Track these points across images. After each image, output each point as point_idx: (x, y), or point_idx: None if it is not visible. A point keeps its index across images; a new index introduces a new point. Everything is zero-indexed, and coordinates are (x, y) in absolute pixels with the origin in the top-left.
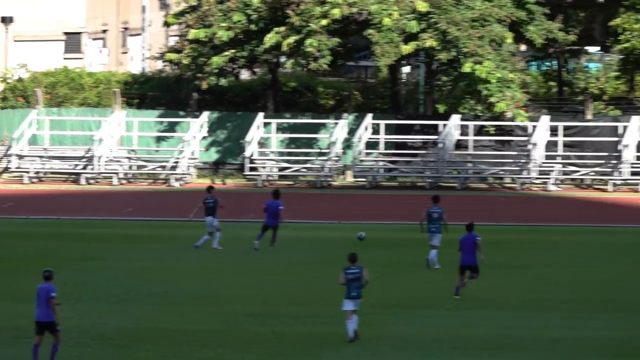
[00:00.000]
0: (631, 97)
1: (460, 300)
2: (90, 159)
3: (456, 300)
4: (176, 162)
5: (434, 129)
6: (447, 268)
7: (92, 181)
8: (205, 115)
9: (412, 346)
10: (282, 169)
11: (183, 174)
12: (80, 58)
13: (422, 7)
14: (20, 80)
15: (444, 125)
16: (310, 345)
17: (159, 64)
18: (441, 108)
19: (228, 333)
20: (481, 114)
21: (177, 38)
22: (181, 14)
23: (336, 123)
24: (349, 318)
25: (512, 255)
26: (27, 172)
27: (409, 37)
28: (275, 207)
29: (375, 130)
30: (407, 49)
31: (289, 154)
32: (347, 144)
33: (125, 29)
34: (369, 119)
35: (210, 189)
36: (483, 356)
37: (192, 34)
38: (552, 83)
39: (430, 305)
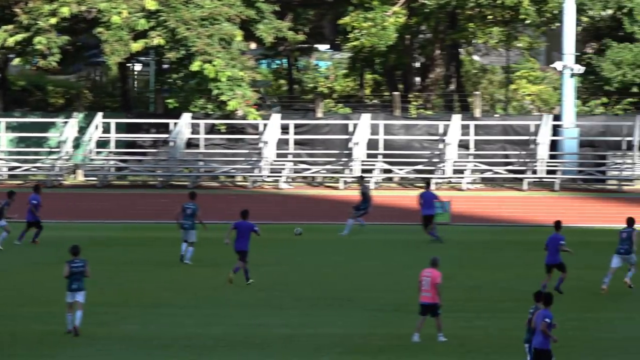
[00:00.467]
0: (361, 95)
1: (195, 299)
2: None
3: (191, 299)
4: None
5: (165, 128)
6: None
7: None
8: None
9: (147, 345)
10: (11, 169)
11: None
12: None
13: (151, 5)
14: None
15: (175, 123)
16: (45, 345)
17: None
18: (172, 104)
19: None
20: (212, 113)
21: None
22: None
23: (66, 122)
24: (70, 311)
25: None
26: None
27: (139, 35)
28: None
29: (106, 129)
30: (136, 47)
31: (19, 153)
32: (78, 143)
33: None
34: (99, 118)
35: (11, 193)
36: (218, 354)
37: None
38: (282, 81)
39: (166, 304)
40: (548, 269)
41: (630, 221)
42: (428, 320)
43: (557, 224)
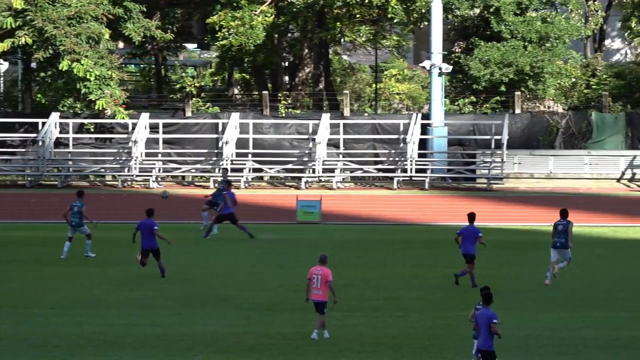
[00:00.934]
0: (230, 93)
1: (66, 299)
2: None
3: (62, 299)
4: None
5: (33, 127)
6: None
7: None
8: None
9: (17, 345)
10: None
11: None
12: None
13: (18, 4)
14: None
15: (43, 123)
16: None
17: None
18: (42, 99)
19: None
20: (81, 112)
21: None
22: None
23: None
24: None
25: (112, 253)
26: None
27: (6, 34)
28: None
29: None
30: (2, 46)
31: None
32: None
33: None
34: None
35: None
36: (89, 354)
37: None
38: (151, 81)
39: (36, 304)
40: (467, 259)
41: (565, 213)
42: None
43: (472, 216)
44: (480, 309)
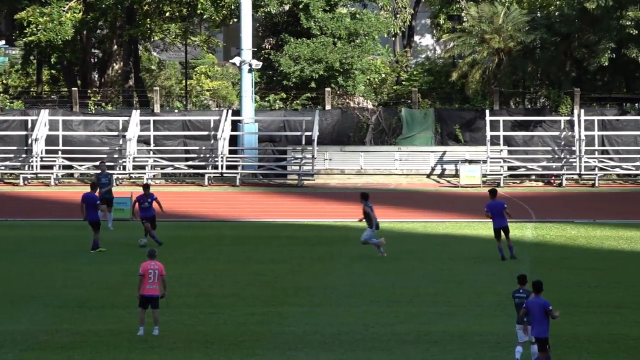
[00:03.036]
0: (38, 90)
1: None
2: None
3: None
4: None
5: None
6: None
7: None
8: None
9: None
10: None
11: None
12: None
13: None
14: None
15: None
16: None
17: None
18: None
19: None
20: None
21: None
22: None
23: None
24: None
25: None
26: None
27: None
28: None
29: None
30: None
31: None
32: None
33: None
34: None
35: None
36: None
37: None
38: None
39: None
40: (497, 233)
41: (494, 192)
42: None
43: (493, 192)
44: (523, 296)
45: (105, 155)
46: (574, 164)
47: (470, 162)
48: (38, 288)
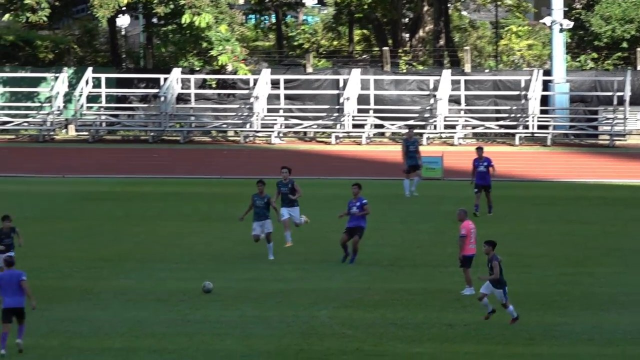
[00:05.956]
0: (351, 50)
1: (189, 254)
2: None
3: (185, 254)
4: None
5: (155, 83)
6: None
7: None
8: None
9: (142, 299)
10: (3, 123)
11: None
12: None
13: None
14: None
15: (165, 78)
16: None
17: None
18: (164, 50)
19: None
20: (201, 68)
21: None
22: None
23: (56, 77)
24: None
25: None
26: None
27: None
28: None
29: (96, 84)
30: (123, 1)
31: (10, 107)
32: (69, 98)
33: None
34: (89, 73)
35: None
36: (211, 308)
37: None
38: (271, 36)
39: (160, 260)
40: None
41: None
42: (422, 273)
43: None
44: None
45: (416, 115)
46: None
47: None
48: (335, 246)
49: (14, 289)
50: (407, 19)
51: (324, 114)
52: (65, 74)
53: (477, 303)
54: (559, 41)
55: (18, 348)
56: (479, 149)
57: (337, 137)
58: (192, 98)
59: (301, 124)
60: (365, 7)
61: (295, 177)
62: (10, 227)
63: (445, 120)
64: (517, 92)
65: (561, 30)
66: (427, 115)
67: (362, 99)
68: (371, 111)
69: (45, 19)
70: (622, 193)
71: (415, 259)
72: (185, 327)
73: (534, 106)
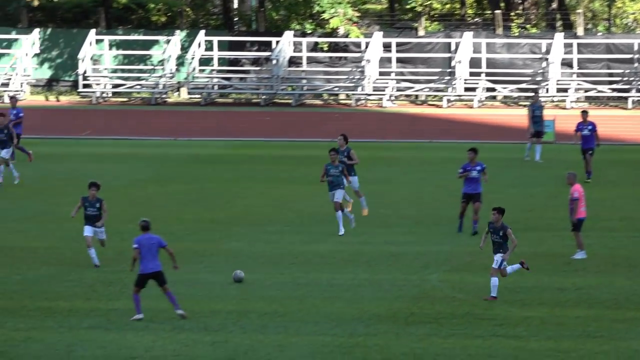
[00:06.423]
0: (463, 13)
1: (300, 217)
2: None
3: (297, 217)
4: (8, 80)
5: (266, 46)
6: None
7: None
8: (37, 32)
9: (252, 262)
10: (116, 86)
11: (16, 91)
12: None
13: None
14: None
15: (277, 42)
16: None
17: None
18: (275, 15)
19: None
20: (314, 31)
21: None
22: None
23: (169, 40)
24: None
25: None
26: None
27: None
28: None
29: (208, 47)
30: None
31: (123, 70)
32: (181, 61)
33: None
34: (201, 36)
35: None
36: (322, 271)
37: None
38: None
39: (272, 222)
40: None
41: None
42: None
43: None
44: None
45: (528, 78)
46: None
47: None
48: (446, 210)
49: (153, 254)
50: None
51: (436, 78)
52: (178, 36)
53: (589, 267)
54: None
55: (182, 319)
56: (584, 112)
57: (448, 101)
58: (304, 61)
59: (413, 87)
60: None
61: (406, 140)
62: (96, 197)
63: (557, 84)
64: (630, 56)
65: None
66: (539, 78)
67: (474, 62)
68: (483, 74)
69: None
70: None
71: (527, 222)
72: (296, 290)
73: None
